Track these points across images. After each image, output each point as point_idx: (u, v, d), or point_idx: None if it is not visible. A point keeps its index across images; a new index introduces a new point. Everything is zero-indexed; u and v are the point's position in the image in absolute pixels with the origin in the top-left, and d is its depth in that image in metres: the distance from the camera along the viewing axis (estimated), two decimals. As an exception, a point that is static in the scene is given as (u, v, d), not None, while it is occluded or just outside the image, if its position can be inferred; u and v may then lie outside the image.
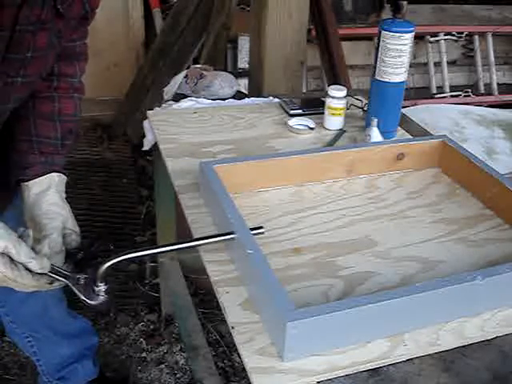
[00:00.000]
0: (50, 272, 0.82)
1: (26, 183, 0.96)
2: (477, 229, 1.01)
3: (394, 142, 1.22)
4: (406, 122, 1.39)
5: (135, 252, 0.83)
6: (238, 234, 0.85)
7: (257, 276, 0.78)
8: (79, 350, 1.50)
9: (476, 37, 3.49)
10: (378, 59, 1.25)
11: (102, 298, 0.83)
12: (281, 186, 1.10)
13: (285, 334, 0.69)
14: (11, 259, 0.77)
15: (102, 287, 0.83)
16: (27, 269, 0.79)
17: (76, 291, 0.83)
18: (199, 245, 0.89)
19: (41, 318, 1.37)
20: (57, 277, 0.83)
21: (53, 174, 0.98)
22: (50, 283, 0.84)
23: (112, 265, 0.82)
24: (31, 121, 0.99)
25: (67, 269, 0.86)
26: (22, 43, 0.82)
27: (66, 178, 1.01)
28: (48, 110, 1.00)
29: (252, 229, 0.87)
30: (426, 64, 3.42)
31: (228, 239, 0.87)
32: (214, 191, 0.95)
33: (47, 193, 0.95)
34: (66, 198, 0.99)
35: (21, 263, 0.78)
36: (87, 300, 0.83)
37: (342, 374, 0.71)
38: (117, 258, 0.82)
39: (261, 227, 0.89)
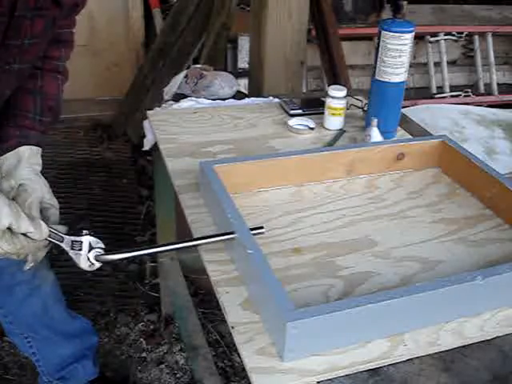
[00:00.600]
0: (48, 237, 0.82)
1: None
2: (477, 229, 1.01)
3: (394, 142, 1.22)
4: (406, 122, 1.39)
5: (137, 251, 0.84)
6: (238, 233, 0.85)
7: (257, 276, 0.78)
8: (79, 350, 1.49)
9: (476, 37, 3.49)
10: (378, 59, 1.25)
11: (96, 265, 0.84)
12: (281, 186, 1.10)
13: (285, 334, 0.69)
14: (11, 231, 0.78)
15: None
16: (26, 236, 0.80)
17: (72, 255, 0.83)
18: (199, 244, 0.89)
19: (40, 319, 1.37)
20: (54, 241, 0.83)
21: (22, 147, 0.97)
22: (47, 246, 0.85)
23: (113, 260, 0.83)
24: (14, 97, 1.00)
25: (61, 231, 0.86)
26: (19, 29, 0.82)
27: (39, 149, 1.00)
28: (30, 86, 1.01)
29: (252, 229, 0.87)
30: (425, 64, 3.42)
31: (228, 239, 0.87)
32: (214, 191, 0.95)
33: (18, 168, 0.95)
34: (43, 173, 0.98)
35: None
36: (81, 265, 0.83)
37: (342, 374, 0.71)
38: (120, 254, 0.83)
39: (261, 227, 0.89)
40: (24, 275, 1.27)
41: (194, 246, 0.89)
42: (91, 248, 0.83)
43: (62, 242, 0.84)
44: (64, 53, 1.05)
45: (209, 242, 0.88)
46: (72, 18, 1.02)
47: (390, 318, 0.75)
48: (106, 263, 0.84)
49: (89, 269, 0.84)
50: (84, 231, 0.84)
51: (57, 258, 1.34)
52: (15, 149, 0.97)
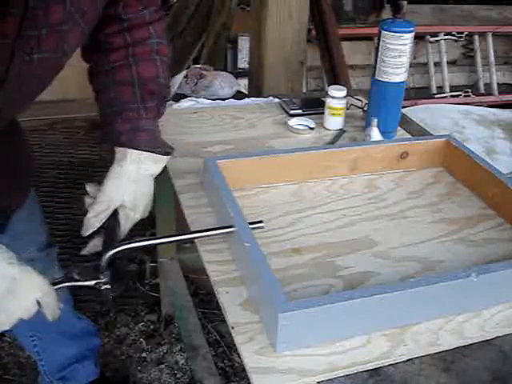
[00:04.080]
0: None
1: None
2: (477, 229, 1.01)
3: (397, 140, 1.22)
4: (406, 122, 1.39)
5: (137, 242, 0.84)
6: (237, 227, 0.85)
7: (252, 269, 0.78)
8: (81, 351, 1.49)
9: (476, 37, 3.49)
10: (378, 59, 1.25)
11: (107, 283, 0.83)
12: (284, 182, 1.10)
13: (277, 325, 0.70)
14: None
15: (106, 275, 0.83)
16: None
17: (81, 283, 0.82)
18: (199, 237, 0.89)
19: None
20: (60, 285, 0.82)
21: (130, 151, 0.95)
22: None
23: (114, 254, 0.82)
24: (111, 91, 0.97)
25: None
26: (36, 20, 0.78)
27: (156, 155, 0.97)
28: (125, 77, 0.97)
29: (251, 223, 0.87)
30: (425, 64, 3.42)
31: (227, 232, 0.87)
32: (216, 186, 0.95)
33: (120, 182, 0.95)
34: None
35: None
36: (96, 284, 0.82)
37: (342, 374, 0.71)
38: (119, 247, 0.83)
39: (260, 221, 0.89)
40: None
41: (193, 238, 0.89)
42: (97, 269, 0.82)
43: (68, 281, 0.83)
44: (153, 30, 0.99)
45: (208, 235, 0.88)
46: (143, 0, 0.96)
47: (383, 312, 0.76)
48: (110, 264, 0.83)
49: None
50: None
51: (60, 259, 1.34)
52: (127, 145, 0.95)
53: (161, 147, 0.99)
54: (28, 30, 0.79)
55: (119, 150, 0.96)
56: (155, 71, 0.99)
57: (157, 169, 0.98)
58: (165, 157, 0.98)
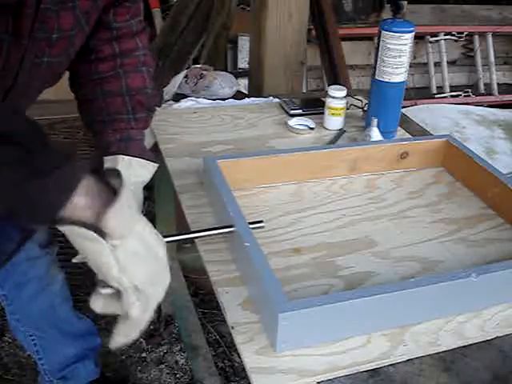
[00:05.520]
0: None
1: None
2: (477, 229, 1.01)
3: (397, 140, 1.22)
4: (406, 122, 1.39)
5: None
6: (237, 226, 0.85)
7: (252, 268, 0.78)
8: (82, 351, 1.49)
9: (476, 37, 3.49)
10: (378, 59, 1.25)
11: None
12: (283, 182, 1.10)
13: (277, 324, 0.70)
14: None
15: None
16: None
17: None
18: (198, 237, 0.89)
19: (47, 317, 1.37)
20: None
21: (118, 156, 0.95)
22: None
23: None
24: (100, 101, 0.98)
25: None
26: (47, 22, 0.80)
27: (145, 161, 0.97)
28: (115, 87, 0.99)
29: (252, 222, 0.88)
30: (426, 64, 3.43)
31: (227, 232, 0.87)
32: (216, 185, 0.95)
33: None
34: None
35: None
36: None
37: (342, 374, 0.71)
38: None
39: (261, 221, 0.89)
40: (36, 272, 1.28)
41: (193, 238, 0.89)
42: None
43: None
44: (140, 42, 1.01)
45: (208, 235, 0.88)
46: (133, 6, 0.98)
47: (383, 312, 0.76)
48: None
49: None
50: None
51: (58, 259, 1.34)
52: (116, 154, 0.95)
53: (149, 156, 1.00)
54: (39, 31, 0.79)
55: (109, 159, 0.96)
56: (143, 82, 1.01)
57: (146, 176, 0.98)
58: (154, 164, 0.99)
